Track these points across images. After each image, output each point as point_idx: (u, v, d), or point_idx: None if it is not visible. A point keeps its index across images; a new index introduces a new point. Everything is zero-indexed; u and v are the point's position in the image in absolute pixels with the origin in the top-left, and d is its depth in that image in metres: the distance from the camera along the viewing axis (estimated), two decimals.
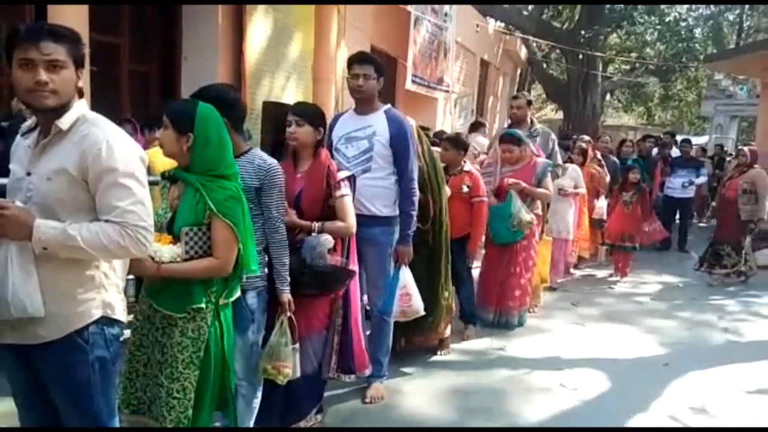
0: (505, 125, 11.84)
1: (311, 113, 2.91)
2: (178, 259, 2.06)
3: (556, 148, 5.34)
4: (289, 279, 2.63)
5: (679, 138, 11.38)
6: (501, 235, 4.60)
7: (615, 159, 7.67)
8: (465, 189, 4.28)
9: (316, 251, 2.71)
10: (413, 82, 9.26)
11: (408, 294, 3.46)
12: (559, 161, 5.41)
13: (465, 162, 4.40)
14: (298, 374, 2.77)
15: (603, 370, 4.10)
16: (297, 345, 2.72)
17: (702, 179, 8.92)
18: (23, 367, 1.86)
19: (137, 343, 2.26)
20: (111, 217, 1.73)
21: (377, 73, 3.26)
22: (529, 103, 5.43)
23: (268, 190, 2.53)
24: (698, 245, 8.14)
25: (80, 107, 1.80)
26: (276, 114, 5.62)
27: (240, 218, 2.15)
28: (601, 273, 7.10)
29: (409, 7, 8.77)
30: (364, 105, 3.35)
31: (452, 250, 4.04)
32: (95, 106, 4.61)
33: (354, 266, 2.94)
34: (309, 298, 2.85)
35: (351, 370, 3.20)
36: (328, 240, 2.78)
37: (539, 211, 4.82)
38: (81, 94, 1.82)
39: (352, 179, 3.01)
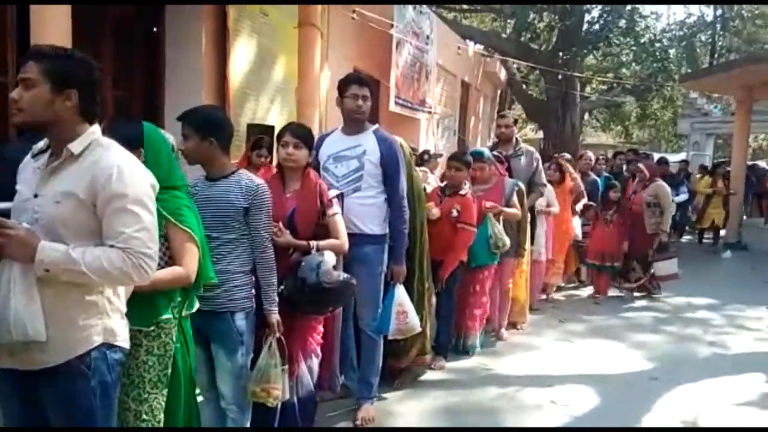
0: (489, 144, 11.96)
1: (309, 136, 3.00)
2: None
3: (540, 167, 5.39)
4: (277, 299, 2.62)
5: (656, 156, 11.46)
6: (480, 257, 4.41)
7: (596, 177, 7.58)
8: (454, 213, 4.14)
9: (321, 269, 2.70)
10: (396, 103, 9.33)
11: (404, 312, 3.46)
12: (543, 180, 5.44)
13: (466, 183, 4.28)
14: (287, 396, 2.75)
15: (593, 385, 4.11)
16: (286, 366, 2.69)
17: (683, 197, 8.81)
18: (18, 395, 1.81)
19: None
20: (116, 243, 1.72)
21: (371, 96, 3.33)
22: (515, 121, 5.50)
23: (256, 211, 2.52)
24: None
25: (93, 132, 1.80)
26: (260, 134, 5.65)
27: (196, 226, 2.16)
28: (585, 292, 7.09)
29: (391, 31, 8.88)
30: (354, 125, 3.37)
31: (433, 274, 4.00)
32: None
33: (354, 279, 2.95)
34: (304, 318, 2.83)
35: (333, 388, 3.34)
36: (331, 257, 2.79)
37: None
38: (93, 119, 1.81)
39: (340, 197, 3.04)
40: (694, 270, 8.73)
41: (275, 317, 2.63)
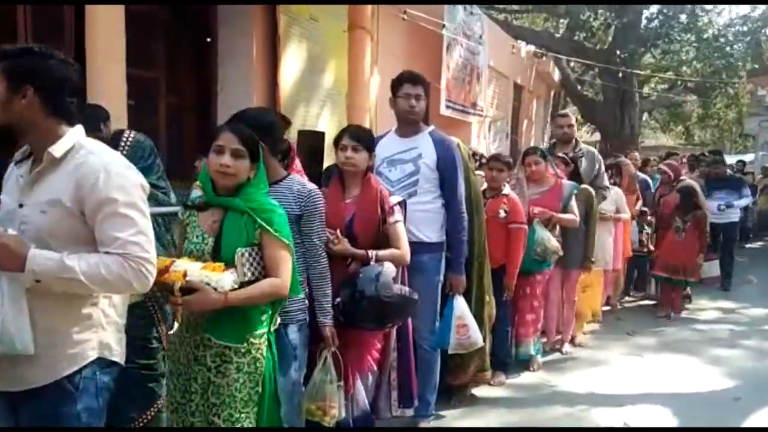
0: (543, 145, 11.53)
1: (368, 138, 2.82)
2: (235, 286, 1.94)
3: (603, 169, 5.04)
4: (331, 311, 2.48)
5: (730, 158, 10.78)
6: (527, 263, 4.08)
7: (646, 177, 7.00)
8: (502, 214, 3.89)
9: (380, 282, 2.53)
10: (447, 107, 9.12)
11: (465, 325, 3.26)
12: (606, 183, 5.09)
13: (505, 184, 4.07)
14: (343, 415, 2.58)
15: (668, 405, 3.79)
16: (342, 382, 2.55)
17: (745, 200, 7.88)
18: (6, 417, 1.70)
19: (181, 389, 2.08)
20: (112, 249, 1.61)
21: (426, 95, 3.14)
22: (577, 121, 5.19)
23: (309, 217, 2.41)
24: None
25: (75, 134, 1.69)
26: (312, 143, 5.56)
27: (290, 235, 2.09)
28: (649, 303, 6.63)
29: (442, 31, 8.69)
30: (408, 127, 3.20)
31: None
32: None
33: (416, 294, 2.77)
34: (362, 333, 2.67)
35: (410, 401, 3.02)
36: (390, 268, 2.62)
37: (560, 238, 4.38)
38: (72, 120, 1.70)
39: (403, 204, 2.86)
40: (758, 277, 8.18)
41: (330, 330, 2.49)
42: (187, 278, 1.86)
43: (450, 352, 3.33)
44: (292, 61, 6.10)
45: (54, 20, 4.50)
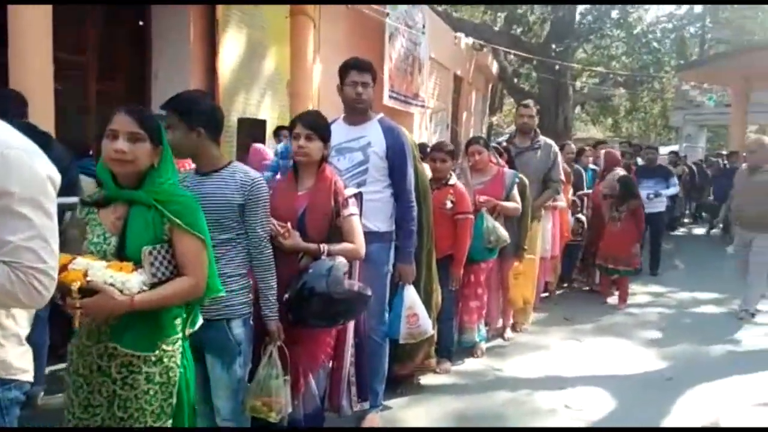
0: (492, 137, 11.69)
1: (323, 127, 2.67)
2: (145, 288, 1.74)
3: (559, 161, 5.07)
4: (277, 305, 2.39)
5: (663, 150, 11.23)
6: (475, 252, 4.11)
7: (580, 168, 7.06)
8: (449, 204, 3.91)
9: (331, 277, 2.42)
10: (390, 97, 9.13)
11: (415, 314, 3.25)
12: (561, 175, 5.14)
13: (451, 174, 4.08)
14: (290, 410, 2.52)
15: (606, 387, 3.92)
16: (288, 377, 2.47)
17: (673, 190, 8.15)
18: None
19: (83, 404, 1.84)
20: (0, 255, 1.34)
21: (374, 82, 3.08)
22: (538, 111, 5.20)
23: (253, 207, 2.28)
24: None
25: None
26: (252, 131, 5.43)
27: (205, 228, 1.88)
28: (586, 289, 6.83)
29: (386, 19, 8.66)
30: (357, 115, 3.13)
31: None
32: (61, 125, 4.36)
33: (369, 289, 2.70)
34: (313, 329, 2.60)
35: (369, 393, 3.02)
36: (343, 264, 2.52)
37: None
38: None
39: (358, 196, 2.77)
40: (698, 264, 8.63)
41: (275, 324, 2.40)
42: (88, 278, 1.64)
43: (401, 341, 3.32)
44: (232, 47, 5.93)
45: None
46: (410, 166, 3.17)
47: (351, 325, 2.88)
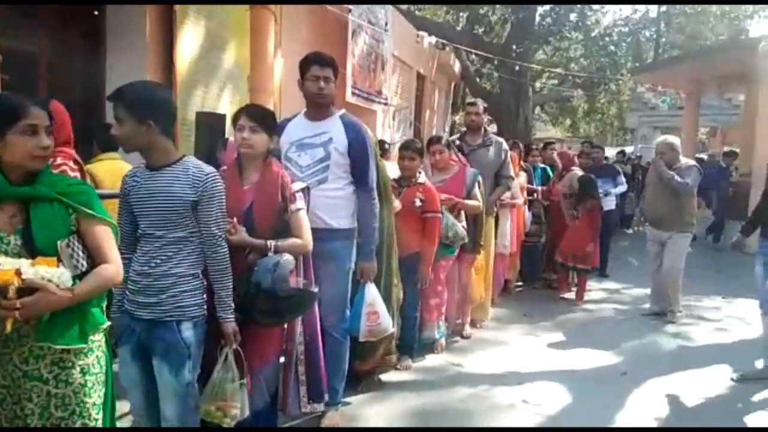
0: (445, 136, 11.73)
1: (268, 119, 2.62)
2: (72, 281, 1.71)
3: (509, 159, 5.16)
4: (232, 306, 2.33)
5: (610, 150, 11.49)
6: (438, 249, 4.10)
7: (527, 165, 7.02)
8: (417, 203, 3.94)
9: (276, 274, 2.38)
10: (353, 93, 9.09)
11: (375, 312, 3.23)
12: (511, 173, 5.22)
13: (420, 173, 4.09)
14: (247, 413, 2.47)
15: (563, 382, 3.99)
16: (245, 381, 2.42)
17: (621, 188, 8.16)
18: None
19: (10, 416, 1.75)
20: None
21: (335, 77, 3.04)
22: (485, 110, 5.28)
23: (206, 203, 2.20)
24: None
25: None
26: (210, 124, 5.32)
27: (107, 213, 1.87)
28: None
29: (349, 15, 8.61)
30: (318, 110, 3.09)
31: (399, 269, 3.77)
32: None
33: (315, 287, 2.69)
34: (259, 326, 2.55)
35: (321, 395, 2.98)
36: (289, 261, 2.48)
37: (464, 224, 4.49)
38: None
39: (306, 191, 2.75)
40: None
41: (231, 326, 2.33)
42: (24, 276, 1.58)
43: (360, 339, 3.30)
44: (190, 40, 5.79)
45: None
46: (372, 162, 3.15)
47: (299, 321, 2.86)
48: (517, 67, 15.15)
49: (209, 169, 2.24)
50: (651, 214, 5.78)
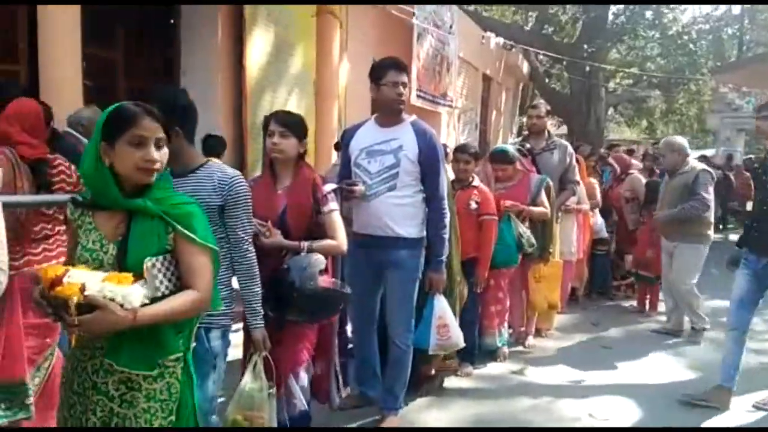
0: (511, 138, 11.56)
1: (296, 124, 2.62)
2: (146, 301, 1.59)
3: (574, 162, 4.99)
4: (261, 312, 2.29)
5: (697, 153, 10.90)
6: (498, 258, 4.03)
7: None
8: (473, 205, 3.87)
9: (305, 273, 2.41)
10: (418, 96, 9.06)
11: (446, 325, 3.18)
12: (577, 177, 5.04)
13: (474, 176, 4.03)
14: (275, 424, 2.43)
15: (634, 397, 3.80)
16: (273, 390, 2.38)
17: None
18: None
19: (76, 423, 1.71)
20: None
21: (409, 82, 3.02)
22: (548, 112, 5.15)
23: (233, 208, 2.15)
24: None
25: None
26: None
27: (213, 239, 1.75)
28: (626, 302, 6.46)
29: (413, 20, 8.60)
30: (391, 116, 3.05)
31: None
32: None
33: (348, 288, 2.69)
34: (294, 327, 2.55)
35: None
36: (319, 260, 2.49)
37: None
38: None
39: (338, 192, 2.76)
40: (721, 270, 8.32)
41: (261, 332, 2.28)
42: (86, 293, 1.49)
43: (430, 353, 3.26)
44: (259, 45, 5.93)
45: None
46: (443, 171, 3.09)
47: (336, 323, 2.89)
48: (588, 67, 14.69)
49: (233, 172, 2.20)
50: (659, 221, 5.27)
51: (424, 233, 3.10)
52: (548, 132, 4.98)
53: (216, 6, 5.60)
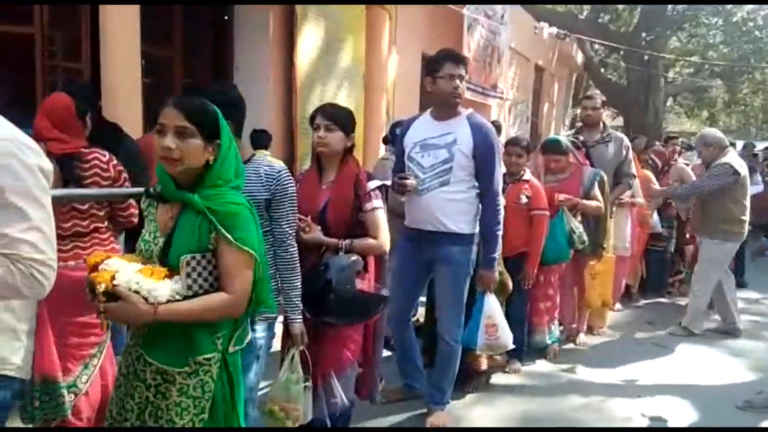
0: (564, 130, 11.29)
1: (343, 117, 2.56)
2: (178, 297, 1.60)
3: (630, 155, 4.83)
4: (300, 306, 2.27)
5: (739, 144, 10.24)
6: (549, 254, 3.97)
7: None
8: (524, 200, 3.81)
9: (343, 275, 2.35)
10: (468, 88, 8.96)
11: (494, 325, 3.13)
12: (633, 170, 4.88)
13: (525, 170, 3.96)
14: (309, 417, 2.44)
15: (689, 397, 3.69)
16: (309, 383, 2.39)
17: (756, 188, 7.19)
18: None
19: (119, 404, 1.75)
20: None
21: (466, 74, 2.96)
22: (604, 104, 4.99)
23: (279, 201, 2.16)
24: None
25: None
26: None
27: (256, 241, 1.70)
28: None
29: (464, 10, 8.51)
30: (447, 110, 3.00)
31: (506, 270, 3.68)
32: (149, 118, 4.55)
33: (387, 291, 2.61)
34: (332, 326, 2.51)
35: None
36: (356, 262, 2.42)
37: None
38: None
39: (383, 189, 2.64)
40: None
41: (299, 326, 2.27)
42: (115, 282, 1.53)
43: (478, 352, 3.25)
44: (309, 40, 6.00)
45: None
46: (498, 166, 3.02)
47: (380, 320, 2.80)
48: (646, 56, 14.19)
49: (280, 165, 2.20)
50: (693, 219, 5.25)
51: (477, 229, 3.05)
52: (603, 124, 4.83)
53: (267, 4, 5.69)
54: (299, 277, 2.24)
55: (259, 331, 2.15)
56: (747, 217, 4.88)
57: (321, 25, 6.12)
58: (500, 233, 3.06)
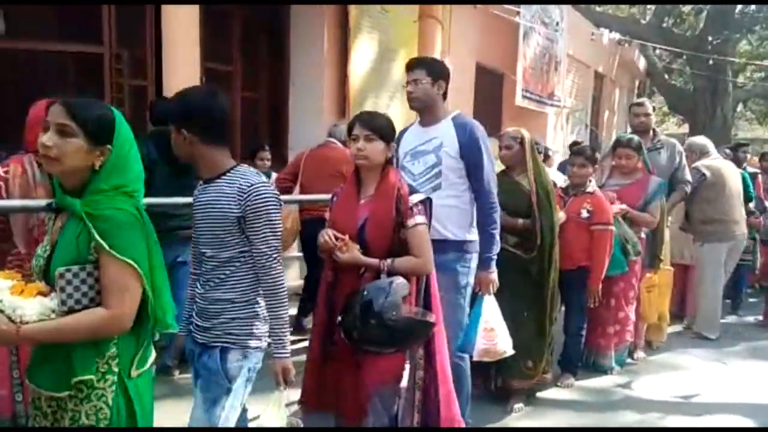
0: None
1: (383, 126, 2.34)
2: (52, 315, 1.47)
3: (684, 161, 4.68)
4: (285, 341, 1.98)
5: None
6: (612, 264, 3.81)
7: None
8: (585, 214, 3.70)
9: (388, 300, 2.12)
10: (524, 97, 8.88)
11: (492, 329, 2.89)
12: (688, 177, 4.73)
13: (590, 181, 3.84)
14: None
15: (754, 417, 3.51)
16: (300, 421, 2.19)
17: None
18: None
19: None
20: None
21: (432, 77, 2.82)
22: (654, 110, 4.87)
23: (252, 219, 1.89)
24: None
25: None
26: None
27: (142, 251, 1.54)
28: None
29: (518, 19, 8.45)
30: (426, 115, 2.93)
31: (564, 283, 3.61)
32: None
33: (432, 316, 2.35)
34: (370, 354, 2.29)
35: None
36: (402, 285, 2.20)
37: (642, 235, 4.19)
38: None
39: (427, 203, 2.41)
40: None
41: (281, 364, 1.97)
42: None
43: (475, 358, 2.92)
44: (362, 53, 6.11)
45: (135, 17, 4.70)
46: (488, 162, 2.87)
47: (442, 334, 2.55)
48: (712, 61, 13.63)
49: (256, 179, 1.94)
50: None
51: (474, 236, 2.90)
52: (654, 131, 4.72)
53: (323, 18, 5.83)
54: (285, 305, 1.98)
55: (232, 359, 1.94)
56: (729, 217, 4.93)
57: (374, 37, 6.23)
58: (496, 232, 2.89)
